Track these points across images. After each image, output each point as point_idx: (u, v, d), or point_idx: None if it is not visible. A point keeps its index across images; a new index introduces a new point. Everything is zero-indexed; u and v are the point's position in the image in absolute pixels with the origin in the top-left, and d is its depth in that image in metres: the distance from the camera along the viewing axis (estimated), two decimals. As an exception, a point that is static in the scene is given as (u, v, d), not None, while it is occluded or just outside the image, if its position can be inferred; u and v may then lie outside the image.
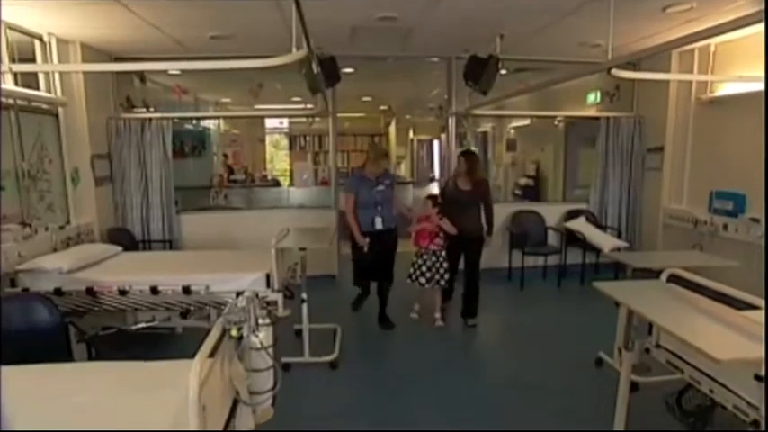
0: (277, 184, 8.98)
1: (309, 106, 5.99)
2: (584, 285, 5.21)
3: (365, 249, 3.90)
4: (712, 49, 4.48)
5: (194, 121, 7.72)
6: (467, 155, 4.37)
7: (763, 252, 3.76)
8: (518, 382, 3.24)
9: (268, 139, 10.52)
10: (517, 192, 8.18)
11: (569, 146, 7.00)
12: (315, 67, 3.11)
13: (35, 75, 4.01)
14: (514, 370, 3.44)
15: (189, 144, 7.24)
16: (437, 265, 4.10)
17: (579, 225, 5.11)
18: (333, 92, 4.93)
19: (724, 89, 4.49)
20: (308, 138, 10.28)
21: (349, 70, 5.34)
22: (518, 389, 3.14)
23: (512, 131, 9.09)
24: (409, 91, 8.43)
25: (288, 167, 10.37)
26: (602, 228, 5.34)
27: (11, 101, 3.63)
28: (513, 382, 3.24)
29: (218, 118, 8.79)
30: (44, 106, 4.05)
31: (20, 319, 2.54)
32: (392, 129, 11.59)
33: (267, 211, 6.15)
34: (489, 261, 5.53)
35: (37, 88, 4.00)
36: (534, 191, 7.61)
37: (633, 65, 4.81)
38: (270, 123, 10.27)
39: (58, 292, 3.13)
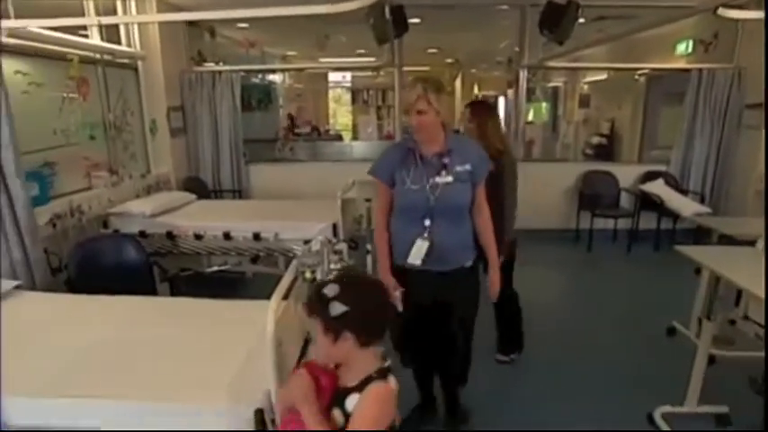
0: (339, 138, 9.03)
1: (373, 59, 5.89)
2: (657, 252, 4.92)
3: (398, 307, 1.89)
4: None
5: (260, 76, 7.84)
6: (475, 107, 2.76)
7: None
8: (581, 346, 3.15)
9: (330, 93, 10.51)
10: (588, 151, 7.74)
11: (650, 102, 6.45)
12: (387, 13, 3.00)
13: (117, 31, 4.20)
14: (578, 334, 3.34)
15: (255, 98, 7.40)
16: None
17: (657, 188, 4.78)
18: (399, 44, 4.79)
19: None
20: (370, 92, 10.16)
21: (416, 20, 5.14)
22: (581, 354, 3.05)
23: (585, 87, 8.51)
24: (476, 43, 8.03)
25: (349, 122, 10.36)
26: (683, 192, 4.96)
27: (98, 55, 3.84)
28: (575, 347, 3.15)
29: (285, 71, 8.85)
30: (126, 60, 4.26)
31: (113, 256, 2.79)
32: (458, 83, 11.17)
33: (331, 163, 6.21)
34: (555, 222, 5.37)
35: (119, 43, 4.20)
36: (607, 150, 7.16)
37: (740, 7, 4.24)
38: (333, 77, 10.22)
39: (142, 234, 3.38)
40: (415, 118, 1.84)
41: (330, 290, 1.13)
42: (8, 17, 2.62)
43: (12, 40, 2.76)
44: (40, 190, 3.09)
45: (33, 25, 2.59)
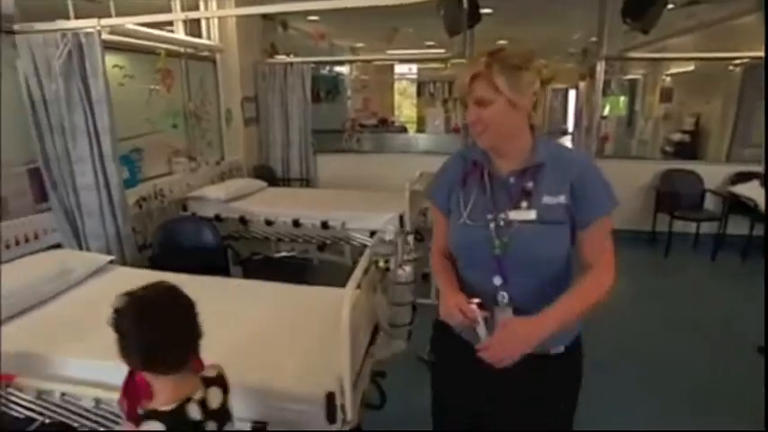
0: (404, 130, 9.04)
1: (442, 51, 5.82)
2: (746, 261, 4.51)
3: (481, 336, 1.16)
4: None
5: (329, 67, 7.99)
6: None
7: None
8: (655, 362, 2.93)
9: (396, 86, 10.54)
10: (667, 148, 7.23)
11: (745, 95, 5.88)
12: (465, 1, 2.95)
13: (198, 25, 4.42)
14: (651, 347, 3.13)
15: (324, 89, 7.56)
16: None
17: (750, 190, 4.38)
18: (470, 35, 4.69)
19: None
20: (437, 84, 10.08)
21: (488, 11, 5.01)
22: (654, 370, 2.84)
23: (667, 79, 7.93)
24: (548, 34, 7.73)
25: (414, 115, 10.34)
26: (781, 195, 4.51)
27: (182, 49, 4.08)
28: (648, 362, 2.93)
29: (354, 62, 8.99)
30: (206, 53, 4.49)
31: (192, 237, 2.96)
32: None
33: (396, 155, 6.22)
34: (628, 222, 5.07)
35: (200, 37, 4.43)
36: (690, 148, 6.65)
37: None
38: (398, 69, 10.23)
39: (217, 218, 3.56)
40: (472, 111, 1.16)
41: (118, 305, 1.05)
42: (109, 16, 2.83)
43: (112, 37, 2.99)
44: (130, 173, 3.33)
45: (129, 22, 2.79)
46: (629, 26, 3.81)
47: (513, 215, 1.19)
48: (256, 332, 1.80)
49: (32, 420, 1.73)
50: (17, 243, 2.54)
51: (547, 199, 1.18)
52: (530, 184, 1.19)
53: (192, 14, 3.59)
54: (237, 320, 1.90)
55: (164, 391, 1.07)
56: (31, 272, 2.13)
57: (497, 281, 1.21)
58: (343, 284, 1.43)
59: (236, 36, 4.70)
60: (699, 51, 6.35)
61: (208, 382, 1.14)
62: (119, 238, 2.84)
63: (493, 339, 1.12)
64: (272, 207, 3.61)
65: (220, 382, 1.17)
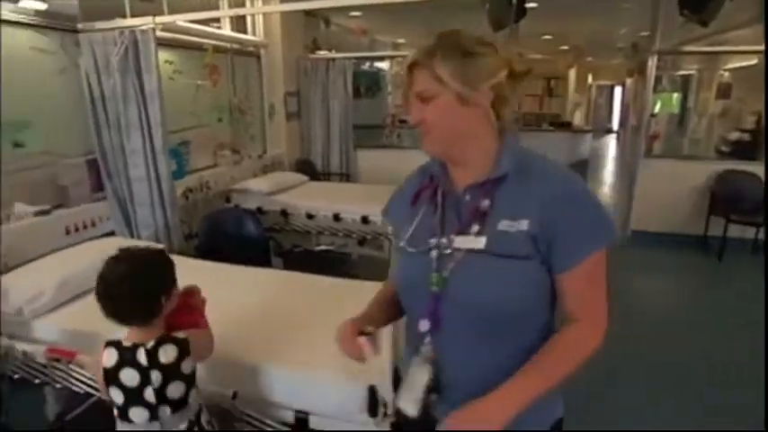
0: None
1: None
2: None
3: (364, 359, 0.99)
4: None
5: (369, 64, 8.00)
6: None
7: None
8: (705, 375, 2.78)
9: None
10: (723, 148, 6.84)
11: (812, 93, 5.50)
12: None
13: (244, 21, 4.53)
14: (702, 358, 2.96)
15: (364, 85, 7.58)
16: None
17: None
18: (514, 30, 4.58)
19: None
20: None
21: (533, 5, 4.88)
22: (700, 383, 2.70)
23: (726, 74, 7.50)
24: (595, 29, 7.47)
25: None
26: None
27: (228, 45, 4.19)
28: (697, 373, 2.78)
29: (394, 57, 8.99)
30: (251, 48, 4.59)
31: (235, 228, 3.05)
32: (572, 73, 10.47)
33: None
34: (678, 225, 4.85)
35: (245, 33, 4.53)
36: (749, 148, 6.26)
37: None
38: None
39: (260, 210, 3.65)
40: (413, 109, 0.94)
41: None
42: (162, 13, 2.94)
43: (164, 34, 3.10)
44: (178, 166, 3.46)
45: (181, 19, 2.89)
46: (686, 18, 3.60)
47: (459, 242, 0.92)
48: (297, 323, 1.83)
49: (90, 396, 1.83)
50: (76, 229, 2.70)
51: (504, 224, 0.89)
52: (485, 203, 0.92)
53: (239, 11, 3.69)
54: (278, 311, 1.94)
55: (132, 333, 1.27)
56: (91, 256, 2.24)
57: (424, 326, 0.95)
58: (382, 279, 1.43)
59: (280, 32, 4.78)
60: (759, 45, 5.97)
61: (164, 340, 1.26)
62: (167, 227, 2.95)
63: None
64: (313, 201, 3.66)
65: (181, 345, 1.27)
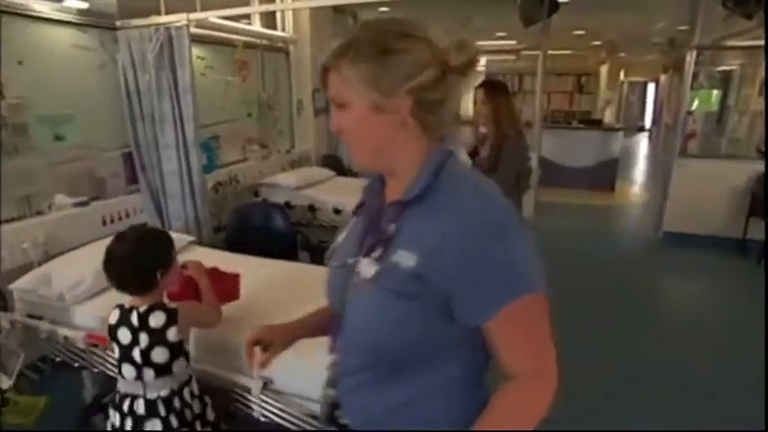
0: (469, 123, 8.87)
1: (513, 42, 5.63)
2: None
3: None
4: None
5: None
6: (491, 87, 2.64)
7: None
8: (745, 385, 2.66)
9: (463, 78, 10.37)
10: (764, 148, 6.57)
11: None
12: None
13: (274, 18, 4.58)
14: (741, 367, 2.85)
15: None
16: None
17: None
18: (546, 25, 4.49)
19: None
20: (506, 76, 9.81)
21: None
22: (740, 394, 2.61)
23: (769, 70, 7.18)
24: (629, 23, 7.25)
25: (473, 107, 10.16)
26: None
27: (258, 41, 4.24)
28: (736, 384, 2.68)
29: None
30: (280, 45, 4.64)
31: (263, 222, 3.10)
32: (603, 69, 10.19)
33: (461, 148, 6.13)
34: (715, 227, 4.69)
35: (275, 29, 4.59)
36: (792, 148, 6.00)
37: None
38: (465, 61, 10.06)
39: (287, 204, 3.69)
40: (333, 115, 0.86)
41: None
42: (195, 10, 3.00)
43: (197, 30, 3.16)
44: (208, 160, 3.53)
45: (213, 15, 2.94)
46: (729, 11, 3.46)
47: (363, 265, 0.82)
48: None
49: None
50: (112, 220, 2.79)
51: (401, 254, 0.77)
52: (391, 227, 0.80)
53: (270, 7, 3.73)
54: (305, 304, 1.96)
55: (134, 299, 1.45)
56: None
57: (321, 356, 0.89)
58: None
59: (309, 28, 4.81)
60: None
61: (156, 307, 1.42)
62: (197, 220, 3.02)
63: None
64: (340, 196, 3.68)
65: (169, 313, 1.42)
